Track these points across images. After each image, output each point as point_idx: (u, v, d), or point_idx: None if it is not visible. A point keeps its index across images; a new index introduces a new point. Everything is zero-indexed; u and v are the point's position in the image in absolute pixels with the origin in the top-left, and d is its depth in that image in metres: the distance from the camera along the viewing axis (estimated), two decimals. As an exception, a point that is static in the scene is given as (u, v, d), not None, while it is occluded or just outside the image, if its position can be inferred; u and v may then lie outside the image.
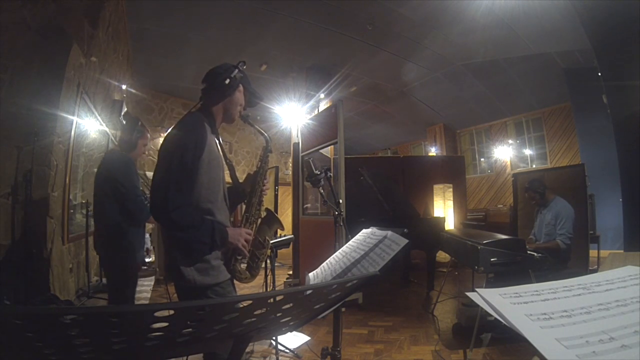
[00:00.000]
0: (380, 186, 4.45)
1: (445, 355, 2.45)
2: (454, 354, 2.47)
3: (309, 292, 0.60)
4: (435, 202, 6.10)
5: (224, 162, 1.44)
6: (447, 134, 9.84)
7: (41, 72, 2.88)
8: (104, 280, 3.42)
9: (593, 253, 3.65)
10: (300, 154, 4.63)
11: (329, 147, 4.53)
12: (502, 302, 0.59)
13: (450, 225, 5.85)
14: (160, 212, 1.19)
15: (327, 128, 3.96)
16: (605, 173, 4.92)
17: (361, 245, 1.27)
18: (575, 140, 6.97)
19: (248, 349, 2.50)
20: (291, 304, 0.60)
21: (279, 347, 2.47)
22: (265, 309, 0.56)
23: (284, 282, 4.65)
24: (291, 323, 0.70)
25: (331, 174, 1.88)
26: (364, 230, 1.42)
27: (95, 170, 2.31)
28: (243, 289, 3.57)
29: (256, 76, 6.29)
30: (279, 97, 6.09)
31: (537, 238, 3.34)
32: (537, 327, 0.52)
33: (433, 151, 9.81)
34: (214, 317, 0.51)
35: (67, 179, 3.28)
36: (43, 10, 2.94)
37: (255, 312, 0.54)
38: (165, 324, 0.47)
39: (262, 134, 1.56)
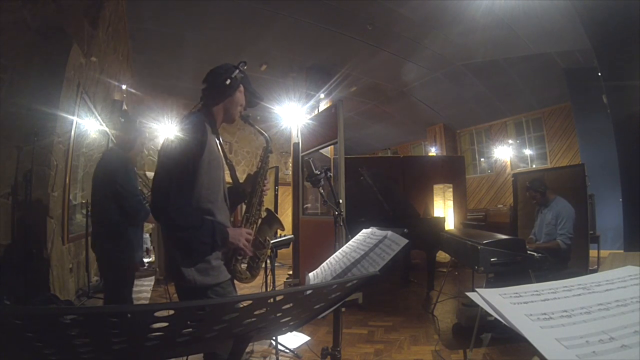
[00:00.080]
0: (380, 186, 4.45)
1: (445, 355, 2.45)
2: (454, 354, 2.47)
3: (309, 292, 0.60)
4: (435, 202, 6.09)
5: (225, 162, 1.44)
6: (447, 134, 9.84)
7: (41, 72, 2.88)
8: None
9: (593, 253, 3.66)
10: (300, 154, 4.63)
11: (329, 147, 4.53)
12: (502, 302, 0.59)
13: (450, 225, 5.85)
14: (161, 212, 1.19)
15: (327, 128, 3.96)
16: (605, 173, 4.92)
17: (361, 245, 1.27)
18: (575, 140, 6.97)
19: (248, 349, 2.50)
20: (291, 304, 0.60)
21: (279, 347, 2.47)
22: (265, 309, 0.56)
23: (284, 282, 4.65)
24: (291, 323, 0.70)
25: (331, 174, 1.88)
26: (364, 230, 1.42)
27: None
28: (243, 289, 3.57)
29: (256, 76, 6.29)
30: (279, 97, 6.09)
31: (537, 238, 3.34)
32: (537, 327, 0.52)
33: (433, 151, 9.81)
34: (214, 317, 0.51)
35: (67, 179, 3.28)
36: (43, 10, 2.94)
37: (255, 312, 0.54)
38: (165, 324, 0.47)
39: (263, 134, 1.56)
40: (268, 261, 2.53)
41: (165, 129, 6.51)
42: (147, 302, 3.91)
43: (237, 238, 1.32)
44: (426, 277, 4.13)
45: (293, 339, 2.72)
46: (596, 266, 3.55)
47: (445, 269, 4.43)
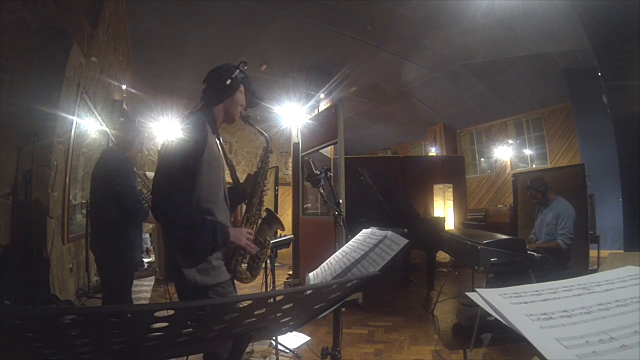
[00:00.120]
0: (380, 186, 4.45)
1: (445, 355, 2.45)
2: (454, 354, 2.47)
3: (309, 292, 0.60)
4: (435, 202, 6.10)
5: (225, 163, 1.44)
6: (447, 134, 9.84)
7: (41, 72, 2.88)
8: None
9: (593, 253, 3.66)
10: (300, 154, 4.63)
11: (329, 147, 4.53)
12: (502, 302, 0.59)
13: (450, 225, 5.85)
14: (161, 212, 1.19)
15: (327, 128, 3.96)
16: (605, 173, 4.93)
17: (361, 245, 1.27)
18: (575, 140, 6.97)
19: (248, 349, 2.50)
20: (291, 304, 0.60)
21: (279, 347, 2.47)
22: (265, 309, 0.56)
23: (284, 282, 4.65)
24: (291, 323, 0.70)
25: (331, 174, 1.88)
26: (364, 230, 1.42)
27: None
28: (243, 289, 3.57)
29: (256, 76, 6.28)
30: (279, 97, 6.09)
31: (537, 237, 3.34)
32: (537, 327, 0.52)
33: (433, 151, 9.81)
34: (214, 317, 0.52)
35: (67, 179, 3.28)
36: (43, 10, 2.94)
37: (255, 312, 0.54)
38: (165, 324, 0.47)
39: (263, 134, 1.56)
40: (268, 261, 2.53)
41: (165, 129, 6.51)
42: (147, 302, 3.91)
43: (238, 238, 1.32)
44: (426, 277, 4.13)
45: (293, 339, 2.72)
46: (596, 266, 3.55)
47: (445, 269, 4.43)
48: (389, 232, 1.20)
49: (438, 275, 4.48)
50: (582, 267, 3.29)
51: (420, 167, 6.24)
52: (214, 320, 0.52)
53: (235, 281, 1.41)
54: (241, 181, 1.57)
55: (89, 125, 3.91)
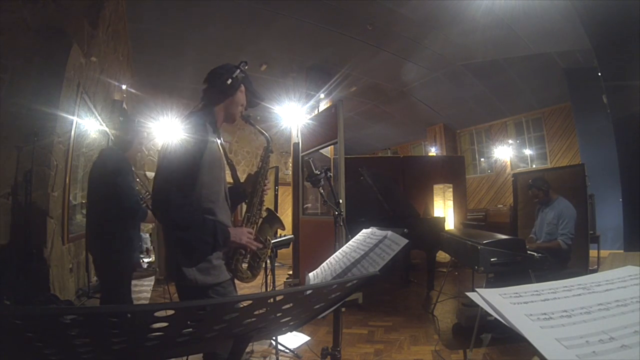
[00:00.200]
0: (380, 186, 4.46)
1: (445, 355, 2.45)
2: (454, 354, 2.47)
3: (309, 292, 0.60)
4: (435, 202, 6.10)
5: (225, 162, 1.44)
6: (447, 134, 9.83)
7: (41, 72, 2.88)
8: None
9: (593, 253, 3.66)
10: (300, 154, 4.63)
11: (329, 147, 4.53)
12: (502, 302, 0.59)
13: (450, 225, 5.85)
14: (162, 212, 1.20)
15: (327, 128, 3.96)
16: (605, 173, 4.92)
17: (361, 245, 1.27)
18: (575, 140, 6.97)
19: (248, 349, 2.50)
20: (291, 304, 0.60)
21: (279, 347, 2.47)
22: (265, 309, 0.56)
23: (284, 282, 4.65)
24: (291, 323, 0.70)
25: (331, 174, 1.88)
26: (364, 230, 1.42)
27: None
28: (243, 288, 3.57)
29: (256, 76, 6.28)
30: (279, 97, 6.09)
31: (537, 237, 3.33)
32: (537, 327, 0.52)
33: (433, 151, 9.81)
34: (214, 317, 0.52)
35: (67, 179, 3.28)
36: (43, 10, 2.94)
37: (255, 312, 0.54)
38: (165, 324, 0.47)
39: (263, 134, 1.56)
40: (268, 261, 2.53)
41: (165, 129, 6.51)
42: (147, 302, 3.91)
43: (239, 237, 1.32)
44: (426, 277, 4.13)
45: (293, 339, 2.72)
46: (596, 266, 3.55)
47: (445, 269, 4.43)
48: (389, 232, 1.20)
49: (438, 275, 4.48)
50: (582, 267, 3.29)
51: (420, 167, 6.24)
52: (214, 320, 0.52)
53: (236, 281, 1.41)
54: (241, 181, 1.57)
55: (89, 125, 3.91)
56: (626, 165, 3.92)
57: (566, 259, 3.09)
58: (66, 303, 2.88)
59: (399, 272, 4.82)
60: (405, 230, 1.19)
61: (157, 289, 4.47)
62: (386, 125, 10.10)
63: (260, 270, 1.50)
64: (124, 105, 5.19)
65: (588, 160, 5.15)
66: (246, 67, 1.46)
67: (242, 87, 1.44)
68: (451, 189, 6.13)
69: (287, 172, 9.11)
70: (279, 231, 1.97)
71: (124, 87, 5.53)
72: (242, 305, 0.51)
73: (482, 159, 9.78)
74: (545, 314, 0.55)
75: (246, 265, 1.45)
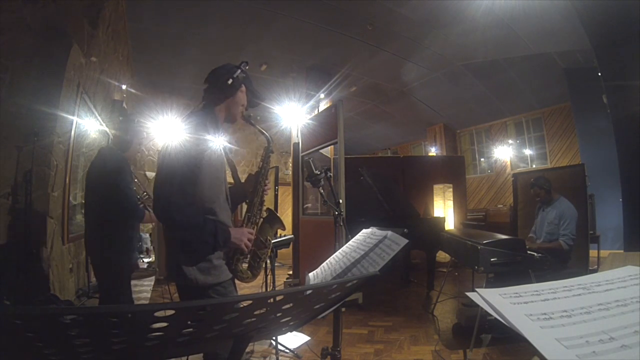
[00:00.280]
0: (380, 186, 4.45)
1: (445, 355, 2.45)
2: (454, 354, 2.47)
3: (309, 292, 0.60)
4: (435, 202, 6.10)
5: (226, 162, 1.44)
6: (447, 134, 9.84)
7: (41, 72, 2.88)
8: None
9: (593, 253, 3.66)
10: (300, 154, 4.63)
11: (329, 147, 4.53)
12: (502, 302, 0.59)
13: (450, 225, 5.85)
14: (163, 212, 1.19)
15: (327, 128, 3.96)
16: (605, 173, 4.92)
17: (361, 245, 1.27)
18: (575, 140, 6.97)
19: (248, 349, 2.50)
20: (291, 304, 0.60)
21: (279, 347, 2.47)
22: (265, 309, 0.55)
23: (284, 282, 4.65)
24: (291, 323, 0.70)
25: (331, 174, 1.88)
26: (364, 230, 1.42)
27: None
28: (243, 288, 3.57)
29: (256, 76, 6.28)
30: (279, 97, 6.08)
31: (537, 236, 3.33)
32: (537, 327, 0.52)
33: (433, 151, 9.81)
34: (214, 317, 0.51)
35: (67, 179, 3.28)
36: (43, 10, 2.93)
37: (255, 312, 0.54)
38: (165, 324, 0.47)
39: (264, 134, 1.56)
40: (268, 261, 2.53)
41: (165, 129, 6.51)
42: (147, 302, 3.91)
43: (239, 238, 1.32)
44: (426, 277, 4.13)
45: (293, 339, 2.72)
46: (596, 266, 3.55)
47: (445, 269, 4.43)
48: (389, 232, 1.20)
49: (438, 275, 4.48)
50: (582, 267, 3.29)
51: (420, 167, 6.24)
52: (214, 320, 0.52)
53: (236, 281, 1.41)
54: (242, 181, 1.57)
55: (89, 125, 3.91)
56: (626, 165, 3.92)
57: (566, 259, 3.09)
58: (66, 303, 2.88)
59: (399, 272, 4.82)
60: (405, 230, 1.19)
61: (157, 289, 4.47)
62: (386, 125, 10.10)
63: (260, 270, 1.50)
64: (124, 105, 5.19)
65: (588, 160, 5.16)
66: (247, 67, 1.46)
67: (243, 87, 1.44)
68: (451, 189, 6.13)
69: (287, 172, 9.11)
70: (279, 231, 1.97)
71: (124, 87, 5.53)
72: (242, 305, 0.51)
73: (482, 159, 9.78)
74: (545, 314, 0.55)
75: (246, 265, 1.45)
